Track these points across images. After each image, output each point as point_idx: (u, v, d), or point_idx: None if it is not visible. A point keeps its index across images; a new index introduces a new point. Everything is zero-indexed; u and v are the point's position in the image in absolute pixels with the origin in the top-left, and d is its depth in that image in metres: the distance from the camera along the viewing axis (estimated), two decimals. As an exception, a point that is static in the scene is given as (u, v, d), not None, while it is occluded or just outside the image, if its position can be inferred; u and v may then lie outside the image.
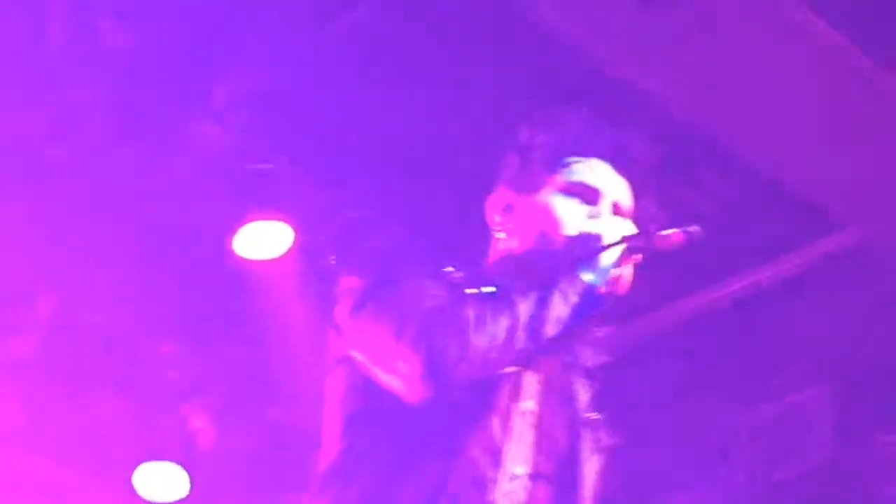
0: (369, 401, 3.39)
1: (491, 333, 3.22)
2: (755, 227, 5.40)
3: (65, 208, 5.31)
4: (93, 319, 5.52)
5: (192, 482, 5.52)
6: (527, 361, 3.33)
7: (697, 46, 4.84)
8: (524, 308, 3.27)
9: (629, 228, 3.41)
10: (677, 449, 5.68)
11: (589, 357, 3.50)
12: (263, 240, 5.41)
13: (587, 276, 3.38)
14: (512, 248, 3.52)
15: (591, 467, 3.50)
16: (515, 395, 3.38)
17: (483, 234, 3.66)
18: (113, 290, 5.47)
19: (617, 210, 3.50)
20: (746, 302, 5.58)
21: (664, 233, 3.38)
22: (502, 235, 3.55)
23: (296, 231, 5.40)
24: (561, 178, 3.50)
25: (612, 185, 3.52)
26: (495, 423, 3.36)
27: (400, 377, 3.21)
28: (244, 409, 5.66)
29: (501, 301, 3.29)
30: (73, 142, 5.23)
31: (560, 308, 3.30)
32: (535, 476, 3.39)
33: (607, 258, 3.38)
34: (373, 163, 5.36)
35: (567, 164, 3.51)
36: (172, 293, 5.50)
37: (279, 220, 5.38)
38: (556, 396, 3.47)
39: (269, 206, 5.36)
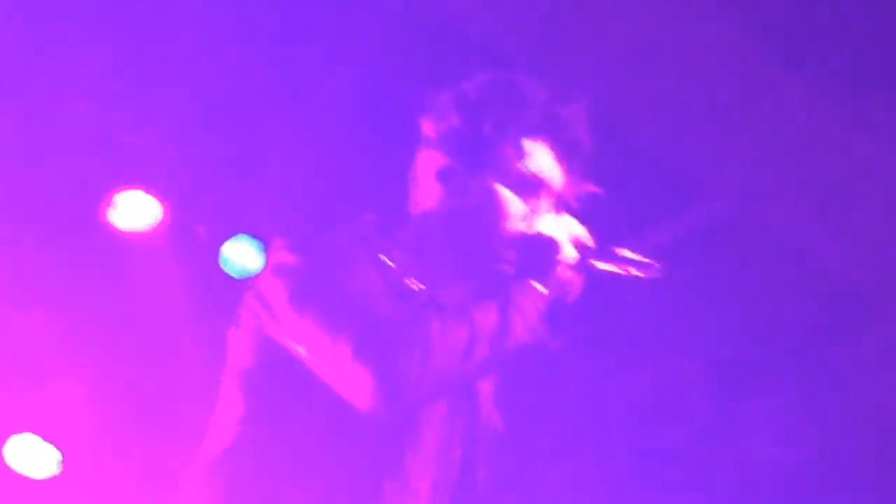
0: (281, 387, 3.23)
1: (450, 349, 3.08)
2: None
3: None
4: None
5: (63, 458, 5.44)
6: (479, 377, 3.21)
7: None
8: (482, 320, 3.14)
9: (580, 230, 3.29)
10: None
11: None
12: (135, 212, 5.36)
13: (539, 287, 3.24)
14: (448, 223, 3.39)
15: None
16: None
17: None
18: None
19: (557, 200, 3.34)
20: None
21: (624, 253, 3.26)
22: (433, 203, 3.41)
23: (165, 204, 5.35)
24: (512, 160, 3.37)
25: (556, 174, 3.37)
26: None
27: (350, 390, 3.08)
28: (119, 383, 5.58)
29: (457, 312, 3.14)
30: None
31: (517, 323, 3.17)
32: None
33: (561, 267, 3.24)
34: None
35: (519, 147, 3.37)
36: (43, 264, 5.42)
37: (149, 192, 5.34)
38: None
39: (138, 179, 5.31)
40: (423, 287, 3.31)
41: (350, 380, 3.14)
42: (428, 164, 3.45)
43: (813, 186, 5.16)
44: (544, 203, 3.40)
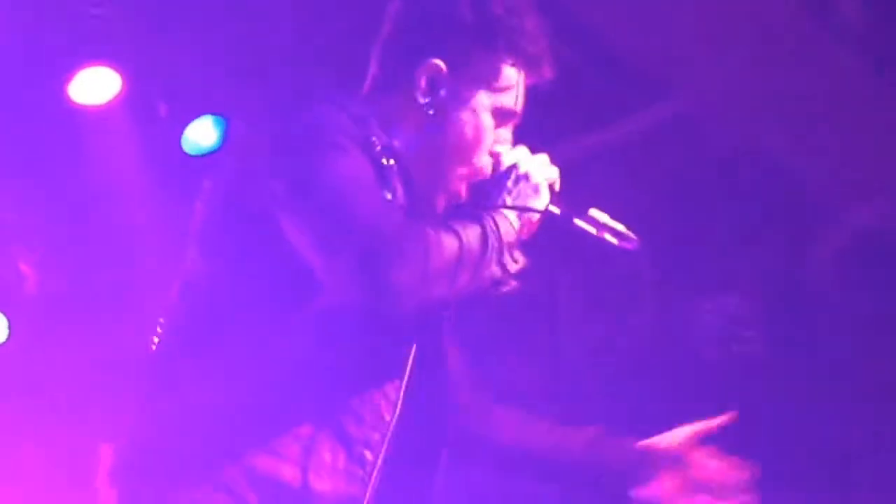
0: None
1: (443, 262, 3.04)
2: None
3: None
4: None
5: (11, 327, 5.48)
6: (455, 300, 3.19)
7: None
8: (467, 240, 3.11)
9: (551, 170, 3.28)
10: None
11: None
12: (95, 86, 5.37)
13: (514, 220, 3.23)
14: (434, 139, 3.24)
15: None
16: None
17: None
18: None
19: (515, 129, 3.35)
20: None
21: (600, 219, 3.24)
22: (430, 112, 3.22)
23: (124, 78, 5.35)
24: (496, 88, 3.25)
25: (521, 105, 3.35)
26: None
27: (345, 295, 3.03)
28: (70, 256, 5.61)
29: (447, 227, 3.11)
30: None
31: (492, 248, 3.16)
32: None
33: (533, 205, 3.24)
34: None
35: (505, 79, 3.25)
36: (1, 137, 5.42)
37: (110, 66, 5.34)
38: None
39: (101, 52, 5.31)
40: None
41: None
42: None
43: (771, 89, 5.19)
44: (509, 135, 3.39)
